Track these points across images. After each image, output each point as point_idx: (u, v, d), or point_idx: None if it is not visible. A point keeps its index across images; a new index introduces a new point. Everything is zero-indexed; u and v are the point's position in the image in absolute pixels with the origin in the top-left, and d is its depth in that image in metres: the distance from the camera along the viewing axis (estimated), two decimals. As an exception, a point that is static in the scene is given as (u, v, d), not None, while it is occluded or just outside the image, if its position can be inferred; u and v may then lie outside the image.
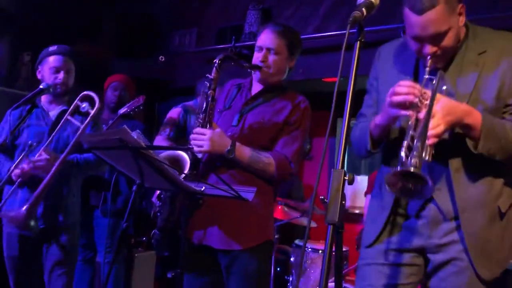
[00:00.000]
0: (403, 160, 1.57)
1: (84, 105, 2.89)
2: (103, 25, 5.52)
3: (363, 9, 1.53)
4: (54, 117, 3.01)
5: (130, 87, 4.20)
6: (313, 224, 4.26)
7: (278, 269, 4.32)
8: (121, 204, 3.86)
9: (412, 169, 1.51)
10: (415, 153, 1.55)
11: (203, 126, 2.31)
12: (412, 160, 1.53)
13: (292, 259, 4.13)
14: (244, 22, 4.90)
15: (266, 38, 2.40)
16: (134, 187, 2.25)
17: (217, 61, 2.33)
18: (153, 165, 1.92)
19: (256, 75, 2.44)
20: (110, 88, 4.11)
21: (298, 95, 2.48)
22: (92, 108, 2.88)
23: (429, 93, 1.70)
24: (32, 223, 2.71)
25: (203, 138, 2.27)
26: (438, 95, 1.70)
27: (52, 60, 2.99)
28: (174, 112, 3.07)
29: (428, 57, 1.77)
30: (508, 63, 1.79)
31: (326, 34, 4.45)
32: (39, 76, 3.04)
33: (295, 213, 4.32)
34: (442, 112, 1.66)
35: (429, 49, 1.76)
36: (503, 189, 1.84)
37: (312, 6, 4.67)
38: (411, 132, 1.64)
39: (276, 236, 4.24)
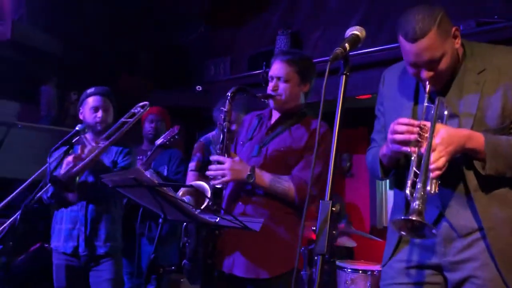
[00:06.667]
0: (408, 197, 1.65)
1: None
2: (141, 60, 5.75)
3: (346, 44, 1.57)
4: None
5: (166, 118, 4.40)
6: (353, 244, 4.25)
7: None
8: (166, 231, 4.01)
9: (414, 217, 1.58)
10: (417, 195, 1.61)
11: (221, 155, 2.39)
12: (415, 205, 1.60)
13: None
14: (274, 47, 5.00)
15: (276, 68, 2.48)
16: (160, 220, 2.38)
17: (229, 94, 2.41)
18: (169, 200, 2.02)
19: (270, 103, 2.51)
20: (146, 120, 4.33)
21: (316, 121, 2.48)
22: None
23: (428, 125, 1.71)
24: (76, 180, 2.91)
25: (223, 168, 2.33)
26: (437, 126, 1.72)
27: (91, 100, 3.18)
28: (198, 146, 3.21)
29: (426, 82, 1.79)
30: (509, 80, 1.79)
31: (357, 52, 4.48)
32: (81, 117, 3.23)
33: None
34: (442, 143, 1.68)
35: (425, 74, 1.79)
36: None
37: (339, 26, 4.70)
38: (414, 169, 1.69)
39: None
